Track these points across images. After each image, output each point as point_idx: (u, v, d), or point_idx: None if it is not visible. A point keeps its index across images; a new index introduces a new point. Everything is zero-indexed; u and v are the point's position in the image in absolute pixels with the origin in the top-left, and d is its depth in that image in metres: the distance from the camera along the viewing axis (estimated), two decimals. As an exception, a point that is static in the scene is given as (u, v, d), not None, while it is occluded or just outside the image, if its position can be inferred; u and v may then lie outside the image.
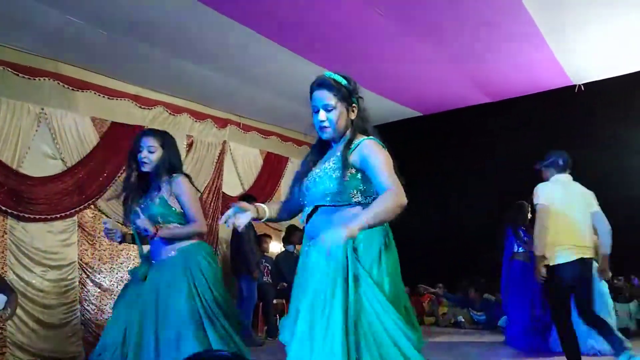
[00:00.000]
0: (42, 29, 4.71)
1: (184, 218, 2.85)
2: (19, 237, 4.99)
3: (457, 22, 4.97)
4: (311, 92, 2.08)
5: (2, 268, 4.81)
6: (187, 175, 2.91)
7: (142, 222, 2.75)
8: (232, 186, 7.40)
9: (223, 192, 7.15)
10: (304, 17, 4.77)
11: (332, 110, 2.01)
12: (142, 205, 2.85)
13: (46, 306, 5.10)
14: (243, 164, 7.61)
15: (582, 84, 6.57)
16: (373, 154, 1.92)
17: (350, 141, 2.00)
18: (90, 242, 5.60)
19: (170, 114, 6.45)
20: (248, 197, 6.44)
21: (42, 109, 5.24)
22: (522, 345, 5.36)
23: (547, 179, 4.21)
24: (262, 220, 2.16)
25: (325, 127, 2.03)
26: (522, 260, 5.66)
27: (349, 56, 5.62)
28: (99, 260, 5.66)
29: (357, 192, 1.96)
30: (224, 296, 2.77)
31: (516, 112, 7.05)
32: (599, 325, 3.85)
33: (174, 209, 2.83)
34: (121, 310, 2.77)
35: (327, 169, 2.00)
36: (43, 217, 5.15)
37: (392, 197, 1.79)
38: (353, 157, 1.95)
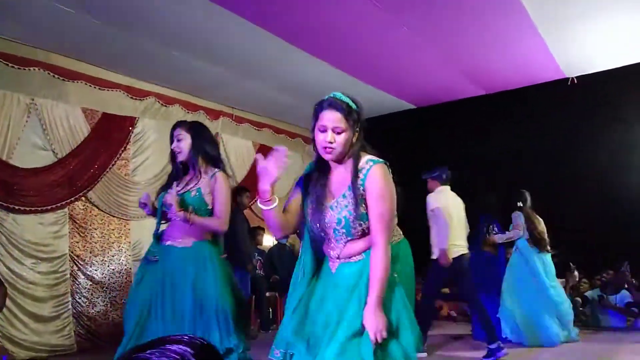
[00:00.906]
0: (32, 18, 4.63)
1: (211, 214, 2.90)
2: (9, 229, 4.94)
3: (451, 14, 4.94)
4: (319, 111, 2.05)
5: (-8, 260, 4.77)
6: (226, 172, 2.96)
7: (172, 197, 2.80)
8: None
9: (216, 184, 7.09)
10: (299, 8, 4.73)
11: (341, 133, 1.99)
12: (180, 190, 2.91)
13: (37, 299, 5.07)
14: (236, 156, 7.57)
15: (576, 77, 6.58)
16: (378, 189, 1.97)
17: (356, 168, 2.00)
18: (82, 234, 5.56)
19: (162, 104, 6.40)
20: (242, 189, 6.43)
21: (33, 100, 5.17)
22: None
23: (431, 189, 5.13)
24: (270, 207, 2.09)
25: (332, 148, 2.00)
26: (489, 252, 5.90)
27: (343, 48, 5.59)
28: (91, 252, 5.62)
29: (366, 224, 2.01)
30: (230, 296, 2.82)
31: (510, 104, 7.06)
32: (480, 312, 4.83)
33: (207, 204, 2.88)
34: (137, 292, 2.84)
35: (344, 210, 2.01)
36: (34, 208, 5.10)
37: (381, 261, 1.93)
38: (365, 184, 1.98)
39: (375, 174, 1.97)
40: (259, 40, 5.24)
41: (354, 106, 2.03)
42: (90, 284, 5.56)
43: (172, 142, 2.95)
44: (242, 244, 6.17)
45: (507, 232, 5.73)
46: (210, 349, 0.92)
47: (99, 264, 5.67)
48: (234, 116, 7.51)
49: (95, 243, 5.66)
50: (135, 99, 6.10)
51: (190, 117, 6.76)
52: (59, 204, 5.30)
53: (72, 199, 5.42)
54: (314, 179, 2.13)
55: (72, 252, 5.44)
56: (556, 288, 5.42)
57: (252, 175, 7.69)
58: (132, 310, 2.77)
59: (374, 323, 1.85)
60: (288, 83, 6.59)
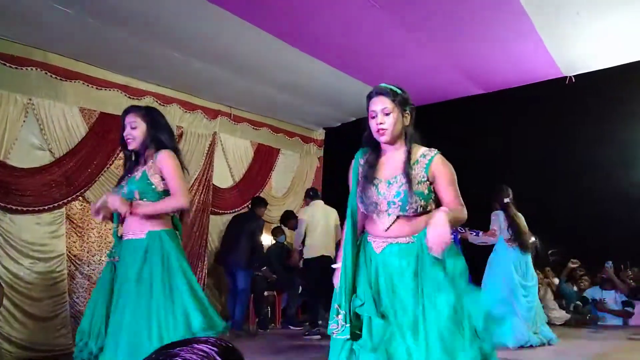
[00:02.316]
0: (29, 18, 4.62)
1: (165, 196, 2.74)
2: (6, 229, 4.94)
3: (449, 13, 4.94)
4: (368, 101, 2.28)
5: (-10, 260, 4.76)
6: (176, 150, 2.81)
7: (114, 200, 2.66)
8: (222, 178, 7.36)
9: (213, 184, 7.10)
10: (297, 8, 4.72)
11: (389, 114, 2.21)
12: (125, 182, 2.78)
13: (35, 299, 5.06)
14: (234, 155, 7.56)
15: (573, 76, 6.57)
16: (444, 172, 2.22)
17: (409, 152, 2.23)
18: (79, 234, 5.55)
19: (159, 104, 6.38)
20: (261, 200, 6.82)
21: (30, 99, 5.17)
22: None
23: (307, 204, 6.62)
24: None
25: (384, 129, 2.22)
26: None
27: (342, 47, 5.59)
28: (88, 252, 5.61)
29: (432, 202, 2.23)
30: (187, 286, 2.64)
31: (507, 103, 7.05)
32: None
33: (153, 186, 2.72)
34: (97, 293, 2.74)
35: (401, 182, 2.18)
36: (31, 208, 5.10)
37: (463, 211, 2.19)
38: (430, 172, 2.21)
39: (440, 160, 2.23)
40: (257, 40, 5.23)
41: (398, 91, 2.25)
42: (88, 284, 5.55)
43: (123, 129, 2.78)
44: (259, 249, 6.54)
45: (480, 233, 5.79)
46: (233, 350, 0.96)
47: (96, 263, 5.66)
48: (232, 115, 7.49)
49: (93, 243, 5.66)
50: (133, 98, 6.08)
51: (188, 116, 6.77)
52: (56, 204, 5.29)
53: (70, 198, 5.41)
54: (365, 162, 2.30)
55: (69, 252, 5.43)
56: (530, 289, 5.31)
57: (250, 174, 7.69)
58: (88, 312, 2.69)
59: (438, 236, 1.98)
60: (286, 82, 6.58)
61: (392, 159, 2.25)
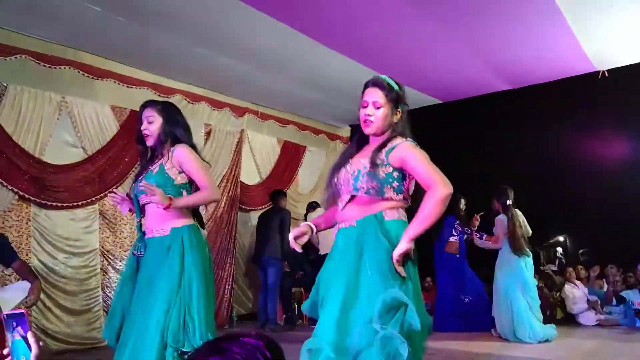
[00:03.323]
0: (63, 18, 4.72)
1: (183, 190, 2.71)
2: (42, 224, 5.07)
3: (478, 7, 4.88)
4: (364, 90, 2.28)
5: (27, 254, 4.90)
6: (192, 146, 2.78)
7: (158, 193, 2.57)
8: (249, 175, 7.42)
9: (241, 181, 7.16)
10: (323, 4, 4.73)
11: (380, 108, 2.21)
12: (142, 177, 2.75)
13: (69, 292, 5.19)
14: (261, 152, 7.62)
15: (606, 70, 6.43)
16: (410, 154, 2.15)
17: (384, 143, 2.20)
18: (112, 230, 5.66)
19: (188, 102, 6.46)
20: (281, 193, 6.78)
21: (63, 98, 5.28)
22: (447, 328, 5.78)
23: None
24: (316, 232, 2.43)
25: (370, 121, 2.22)
26: (451, 253, 6.29)
27: (368, 43, 5.57)
28: (120, 247, 5.72)
29: (390, 188, 2.16)
30: (205, 287, 2.62)
31: (537, 99, 6.94)
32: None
33: (172, 179, 2.69)
34: (120, 289, 2.74)
35: (364, 165, 2.18)
36: (65, 204, 5.22)
37: (434, 195, 2.06)
38: (392, 157, 2.16)
39: (407, 145, 2.17)
40: (285, 37, 5.25)
41: (395, 86, 2.24)
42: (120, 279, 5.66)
43: (140, 123, 2.75)
44: (286, 243, 6.39)
45: (484, 236, 5.90)
46: (275, 344, 1.01)
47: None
48: (259, 113, 7.54)
49: (125, 238, 5.76)
50: (163, 96, 6.15)
51: (216, 114, 6.83)
52: (89, 200, 5.41)
53: (102, 195, 5.52)
54: (346, 151, 2.35)
55: (102, 247, 5.55)
56: (534, 286, 5.52)
57: (277, 171, 7.73)
58: (116, 309, 2.68)
59: (399, 247, 2.03)
60: (313, 79, 6.60)
61: (370, 148, 2.25)
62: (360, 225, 2.14)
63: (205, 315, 2.55)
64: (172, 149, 2.71)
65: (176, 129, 2.76)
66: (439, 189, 2.06)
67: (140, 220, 2.79)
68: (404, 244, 2.03)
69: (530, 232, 5.54)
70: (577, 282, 6.49)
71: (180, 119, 2.81)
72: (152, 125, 2.73)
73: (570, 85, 6.60)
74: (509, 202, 5.52)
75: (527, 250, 5.43)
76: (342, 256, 2.15)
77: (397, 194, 2.18)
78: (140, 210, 2.77)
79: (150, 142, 2.76)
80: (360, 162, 2.20)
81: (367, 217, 2.13)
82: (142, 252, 2.68)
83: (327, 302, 2.12)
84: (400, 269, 2.02)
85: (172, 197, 2.63)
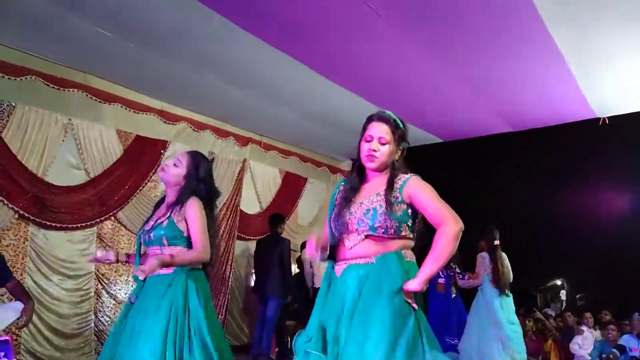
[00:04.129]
0: (74, 41, 4.80)
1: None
2: (39, 244, 5.05)
3: (481, 50, 4.98)
4: (368, 123, 2.28)
5: (21, 274, 4.86)
6: (209, 201, 2.82)
7: (151, 266, 2.53)
8: (250, 204, 7.43)
9: (240, 210, 7.17)
10: (331, 41, 4.82)
11: (385, 144, 2.21)
12: (153, 224, 2.78)
13: (61, 315, 5.13)
14: (262, 182, 7.65)
15: (607, 117, 6.51)
16: (420, 189, 2.15)
17: (392, 179, 2.19)
18: (108, 253, 5.62)
19: (193, 129, 6.52)
20: (279, 217, 6.66)
21: (70, 120, 5.33)
22: None
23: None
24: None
25: (375, 156, 2.21)
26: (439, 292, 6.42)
27: (372, 79, 5.65)
28: (115, 272, 5.68)
29: (406, 227, 2.16)
30: (209, 320, 2.63)
31: (538, 142, 7.00)
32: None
33: (182, 232, 2.72)
34: (113, 334, 2.70)
35: (379, 204, 2.14)
36: (64, 226, 5.21)
37: (446, 232, 2.04)
38: (404, 194, 2.15)
39: (416, 180, 2.19)
40: (290, 69, 5.34)
41: (400, 124, 2.26)
42: (114, 303, 5.61)
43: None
44: (289, 275, 6.45)
45: (466, 275, 5.92)
46: None
47: (122, 283, 5.73)
48: (262, 143, 7.60)
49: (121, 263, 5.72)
50: (168, 123, 6.23)
51: (220, 142, 6.88)
52: (88, 223, 5.40)
53: (102, 218, 5.51)
54: (345, 187, 2.31)
55: (97, 271, 5.51)
56: (515, 325, 5.47)
57: (277, 202, 7.74)
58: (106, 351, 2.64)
59: (412, 285, 2.02)
60: (316, 113, 6.67)
61: (374, 184, 2.23)
62: (381, 261, 2.09)
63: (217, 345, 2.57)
64: (186, 201, 2.74)
65: (198, 185, 2.79)
66: (450, 226, 2.05)
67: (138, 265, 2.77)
68: (416, 285, 2.01)
69: (512, 277, 5.54)
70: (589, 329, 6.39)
71: (205, 175, 2.84)
72: (176, 169, 2.79)
73: (570, 131, 6.67)
74: (496, 242, 5.56)
75: (507, 291, 5.46)
76: (358, 292, 2.07)
77: (410, 233, 2.18)
78: (140, 259, 2.81)
79: (163, 180, 2.84)
80: (372, 200, 2.16)
81: (388, 254, 2.10)
82: (134, 299, 2.70)
83: (352, 342, 1.99)
84: (410, 301, 2.03)
85: (172, 255, 2.64)
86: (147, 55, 5.07)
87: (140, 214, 5.85)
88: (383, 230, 2.10)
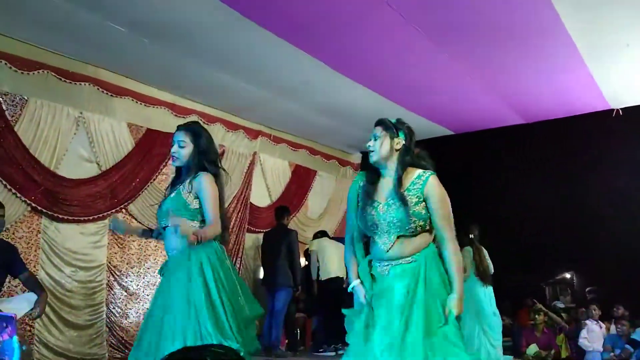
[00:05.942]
0: (84, 35, 4.82)
1: (198, 216, 2.80)
2: (52, 236, 5.09)
3: (494, 41, 4.93)
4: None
5: (34, 266, 4.91)
6: (216, 175, 2.86)
7: (187, 229, 2.65)
8: (260, 197, 7.45)
9: (251, 203, 7.18)
10: (342, 34, 4.80)
11: (377, 139, 2.48)
12: (163, 199, 2.90)
13: (73, 306, 5.18)
14: (272, 175, 7.66)
15: (621, 109, 6.43)
16: (436, 193, 2.39)
17: (400, 176, 2.42)
18: (120, 246, 5.68)
19: (204, 122, 6.51)
20: (284, 209, 6.65)
21: (81, 113, 5.36)
22: None
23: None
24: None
25: (371, 151, 2.50)
26: None
27: (383, 72, 5.63)
28: (127, 264, 5.73)
29: (429, 221, 2.41)
30: (231, 291, 2.70)
31: (551, 134, 6.94)
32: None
33: (188, 203, 2.77)
34: (150, 309, 2.82)
35: (405, 203, 2.37)
36: (76, 218, 5.24)
37: (452, 250, 2.39)
38: (425, 192, 2.39)
39: (434, 182, 2.41)
40: (300, 62, 5.32)
41: (392, 120, 2.52)
42: (125, 295, 5.66)
43: (172, 144, 2.87)
44: (298, 266, 6.44)
45: None
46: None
47: (134, 275, 5.77)
48: (272, 136, 7.60)
49: (133, 255, 5.77)
50: (179, 116, 6.24)
51: (230, 135, 6.89)
52: (100, 215, 5.43)
53: (113, 210, 5.55)
54: (364, 183, 2.53)
55: (109, 263, 5.55)
56: (496, 314, 5.72)
57: (287, 194, 7.75)
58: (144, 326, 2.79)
59: (458, 308, 2.31)
60: (327, 106, 6.66)
61: (388, 182, 2.46)
62: (421, 258, 2.38)
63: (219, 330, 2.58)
64: (195, 175, 2.80)
65: (205, 159, 2.85)
66: (451, 247, 2.39)
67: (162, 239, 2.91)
68: (460, 303, 2.31)
69: (492, 269, 5.77)
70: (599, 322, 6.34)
71: (208, 146, 2.90)
72: (183, 150, 2.84)
73: (584, 122, 6.60)
74: (471, 236, 5.81)
75: (490, 281, 5.71)
76: (407, 290, 2.32)
77: (430, 226, 2.42)
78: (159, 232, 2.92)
79: (177, 163, 2.89)
80: (395, 201, 2.39)
81: (425, 251, 2.40)
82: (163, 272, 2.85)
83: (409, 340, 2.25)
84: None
85: (196, 231, 2.69)
86: (158, 49, 5.07)
87: (151, 206, 5.89)
88: (412, 230, 2.37)
